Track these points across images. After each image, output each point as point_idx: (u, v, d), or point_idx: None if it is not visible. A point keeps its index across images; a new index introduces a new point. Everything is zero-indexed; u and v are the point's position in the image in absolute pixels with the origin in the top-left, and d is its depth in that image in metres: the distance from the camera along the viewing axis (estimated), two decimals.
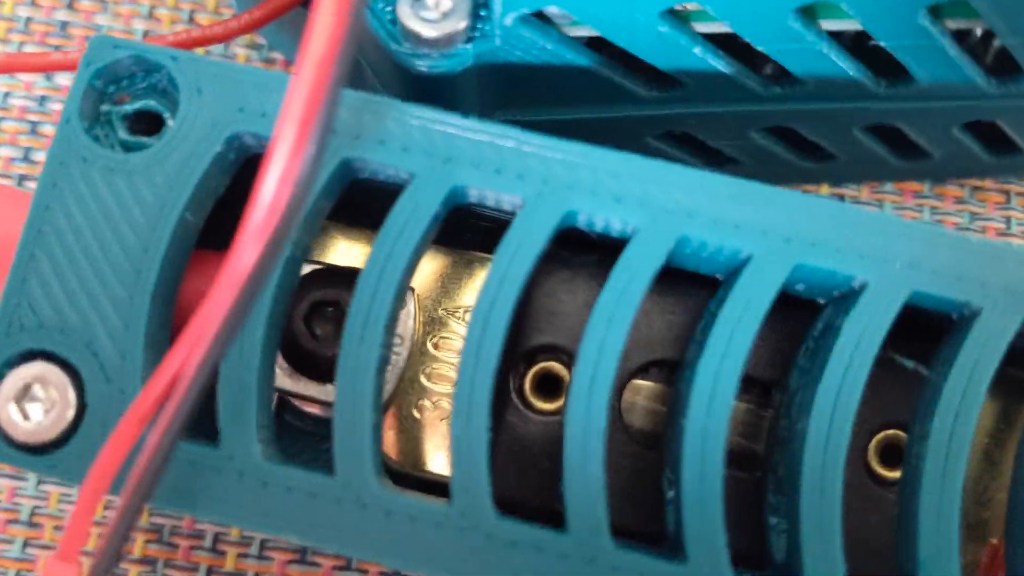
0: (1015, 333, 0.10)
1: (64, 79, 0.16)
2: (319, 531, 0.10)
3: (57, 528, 0.14)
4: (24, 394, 0.10)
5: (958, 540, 0.10)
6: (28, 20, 0.16)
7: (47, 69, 0.13)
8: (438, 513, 0.10)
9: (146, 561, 0.14)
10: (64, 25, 0.16)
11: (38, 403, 0.10)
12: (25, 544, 0.14)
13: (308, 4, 0.12)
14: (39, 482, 0.14)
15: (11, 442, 0.10)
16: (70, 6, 0.16)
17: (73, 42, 0.16)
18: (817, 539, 0.10)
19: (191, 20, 0.17)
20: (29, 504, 0.14)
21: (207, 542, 0.14)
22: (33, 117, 0.16)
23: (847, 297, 0.10)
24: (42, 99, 0.16)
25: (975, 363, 0.10)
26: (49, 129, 0.16)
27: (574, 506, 0.10)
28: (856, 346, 0.10)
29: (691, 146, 0.14)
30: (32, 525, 0.14)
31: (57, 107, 0.16)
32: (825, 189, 0.15)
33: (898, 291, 0.10)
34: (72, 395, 0.10)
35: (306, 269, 0.12)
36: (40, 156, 0.16)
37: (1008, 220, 0.16)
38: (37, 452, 0.10)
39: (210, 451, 0.10)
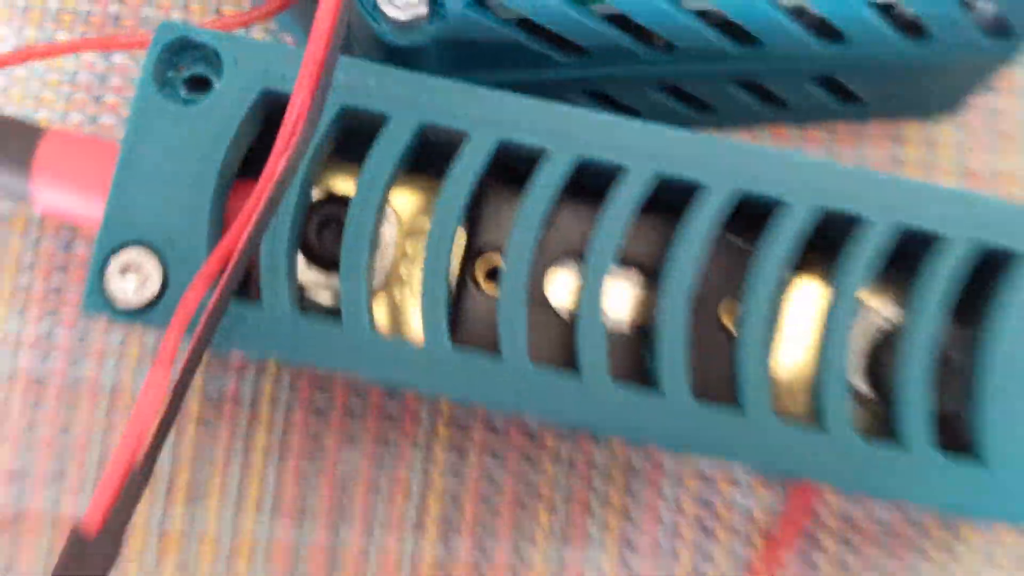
0: (804, 224, 0.14)
1: (119, 58, 0.20)
2: (336, 358, 0.14)
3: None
4: (125, 269, 0.14)
5: (767, 377, 0.14)
6: (88, 12, 0.21)
7: (119, 48, 0.18)
8: (413, 348, 0.14)
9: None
10: (116, 17, 0.21)
11: (134, 275, 0.14)
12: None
13: None
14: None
15: (116, 306, 0.14)
16: (121, 0, 0.21)
17: (124, 29, 0.21)
18: (669, 366, 0.14)
19: (217, 11, 0.21)
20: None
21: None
22: (97, 91, 0.20)
23: (695, 198, 0.15)
24: (103, 76, 0.20)
25: (775, 244, 0.14)
26: (111, 99, 0.20)
27: (507, 353, 0.14)
28: (695, 233, 0.14)
29: (604, 101, 0.18)
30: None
31: (115, 81, 0.20)
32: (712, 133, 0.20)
33: (727, 190, 0.14)
34: (158, 271, 0.14)
35: (316, 196, 0.16)
36: (104, 120, 0.20)
37: (863, 158, 0.20)
38: (136, 313, 0.14)
39: (252, 306, 0.14)
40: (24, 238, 0.20)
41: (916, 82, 0.18)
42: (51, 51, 0.18)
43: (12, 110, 0.20)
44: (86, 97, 0.20)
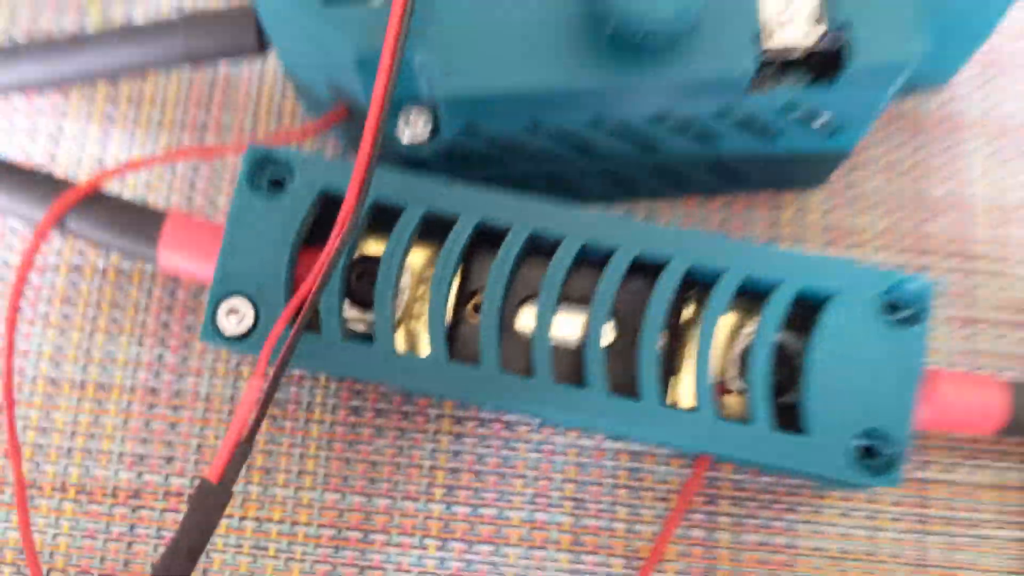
0: (681, 272, 0.21)
1: (190, 164, 0.28)
2: (369, 372, 0.21)
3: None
4: (229, 312, 0.22)
5: (657, 376, 0.21)
6: (183, 120, 0.28)
7: (213, 155, 0.25)
8: (422, 362, 0.22)
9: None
10: (204, 125, 0.28)
11: (236, 316, 0.22)
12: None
13: (352, 114, 0.24)
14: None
15: (224, 336, 0.22)
16: (207, 110, 0.28)
17: (211, 133, 0.28)
18: (593, 370, 0.21)
19: (279, 119, 0.28)
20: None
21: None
22: (192, 180, 0.28)
23: (610, 258, 0.22)
24: (196, 167, 0.28)
25: (662, 286, 0.22)
26: (201, 185, 0.28)
27: (485, 364, 0.21)
28: (609, 279, 0.22)
29: (561, 185, 0.26)
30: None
31: (205, 171, 0.28)
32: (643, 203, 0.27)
33: (630, 254, 0.22)
34: (252, 312, 0.22)
35: (356, 255, 0.24)
36: (197, 201, 0.27)
37: (752, 219, 0.27)
38: (236, 341, 0.22)
39: (317, 337, 0.22)
40: (140, 287, 0.27)
41: (782, 168, 0.25)
42: (168, 157, 0.25)
43: (128, 195, 0.27)
44: (183, 185, 0.28)
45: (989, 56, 0.28)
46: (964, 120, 0.28)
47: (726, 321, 0.23)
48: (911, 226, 0.27)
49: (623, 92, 0.21)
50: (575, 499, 0.25)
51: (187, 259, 0.23)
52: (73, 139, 0.28)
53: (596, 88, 0.21)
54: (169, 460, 0.26)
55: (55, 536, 0.25)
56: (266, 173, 0.23)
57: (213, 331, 0.22)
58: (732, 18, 0.21)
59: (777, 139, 0.24)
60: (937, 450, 0.25)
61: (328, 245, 0.21)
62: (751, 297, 0.22)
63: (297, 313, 0.21)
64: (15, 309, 0.24)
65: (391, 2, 0.20)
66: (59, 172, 0.28)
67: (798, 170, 0.26)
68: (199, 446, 0.26)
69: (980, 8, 0.22)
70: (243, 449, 0.20)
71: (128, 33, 0.25)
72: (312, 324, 0.22)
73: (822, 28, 0.21)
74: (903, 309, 0.21)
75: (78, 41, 0.25)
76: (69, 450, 0.26)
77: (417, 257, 0.24)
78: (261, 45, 0.24)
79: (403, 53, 0.20)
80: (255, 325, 0.22)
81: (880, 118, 0.28)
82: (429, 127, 0.22)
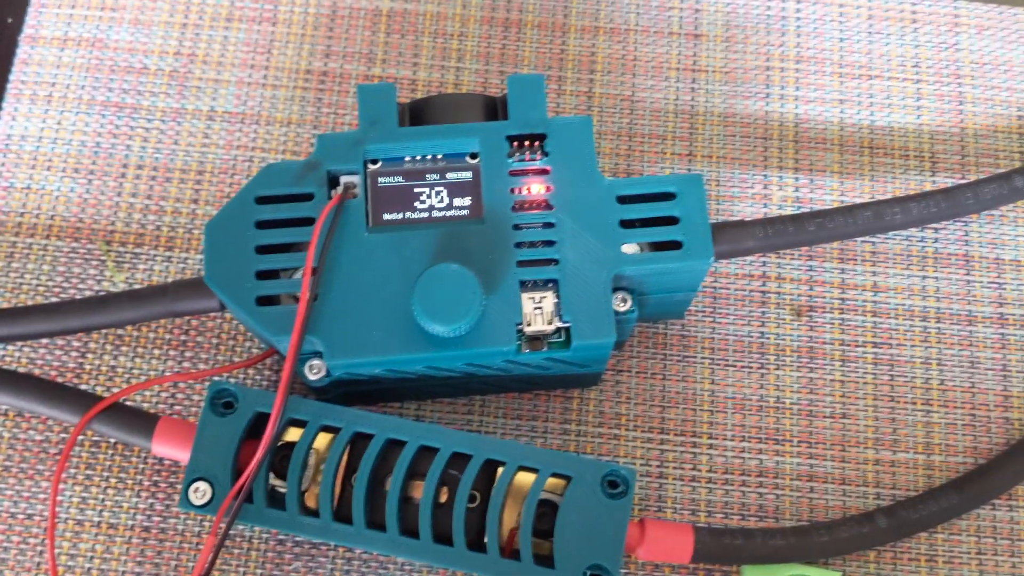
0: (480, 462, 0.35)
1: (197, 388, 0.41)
2: (283, 527, 0.35)
3: None
4: (195, 490, 0.35)
5: (463, 523, 0.35)
6: (169, 339, 0.42)
7: (195, 378, 0.39)
8: (316, 521, 0.35)
9: None
10: (183, 343, 0.42)
11: (199, 492, 0.35)
12: None
13: (278, 353, 0.38)
14: None
15: (193, 505, 0.35)
16: (186, 332, 0.42)
17: (188, 349, 0.41)
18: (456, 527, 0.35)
19: (238, 342, 0.42)
20: None
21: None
22: (188, 393, 0.41)
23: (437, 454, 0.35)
24: (175, 386, 0.41)
25: (469, 470, 0.35)
26: (184, 386, 0.41)
27: (356, 523, 0.35)
28: (436, 466, 0.35)
29: (429, 391, 0.39)
30: None
31: (182, 393, 0.41)
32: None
33: (449, 451, 0.35)
34: (210, 490, 0.35)
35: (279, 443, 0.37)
36: (179, 397, 0.41)
37: (548, 408, 0.41)
38: (201, 508, 0.35)
39: (250, 505, 0.35)
40: (139, 456, 0.40)
41: (564, 380, 0.39)
42: (163, 380, 0.39)
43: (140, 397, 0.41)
44: (182, 396, 0.41)
45: (717, 291, 0.42)
46: (695, 338, 0.42)
47: (524, 484, 0.36)
48: (656, 412, 0.41)
49: (441, 359, 0.35)
50: None
51: (172, 451, 0.37)
52: (94, 352, 0.41)
53: (423, 359, 0.34)
54: None
55: None
56: (221, 400, 0.36)
57: (186, 502, 0.35)
58: (504, 314, 0.34)
59: (551, 369, 0.37)
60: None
61: (260, 451, 0.34)
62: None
63: (239, 493, 0.34)
64: (57, 483, 0.37)
65: (297, 307, 0.34)
66: (85, 378, 0.41)
67: (575, 380, 0.40)
68: (176, 566, 0.39)
69: (673, 298, 0.36)
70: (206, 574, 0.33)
71: (130, 298, 0.38)
72: (247, 497, 0.35)
73: (556, 322, 0.34)
74: (618, 487, 0.35)
75: (97, 303, 0.38)
76: (88, 570, 0.39)
77: (322, 440, 0.37)
78: (223, 307, 0.38)
79: (303, 337, 0.34)
80: (212, 499, 0.35)
81: (636, 337, 0.41)
82: (323, 372, 0.36)
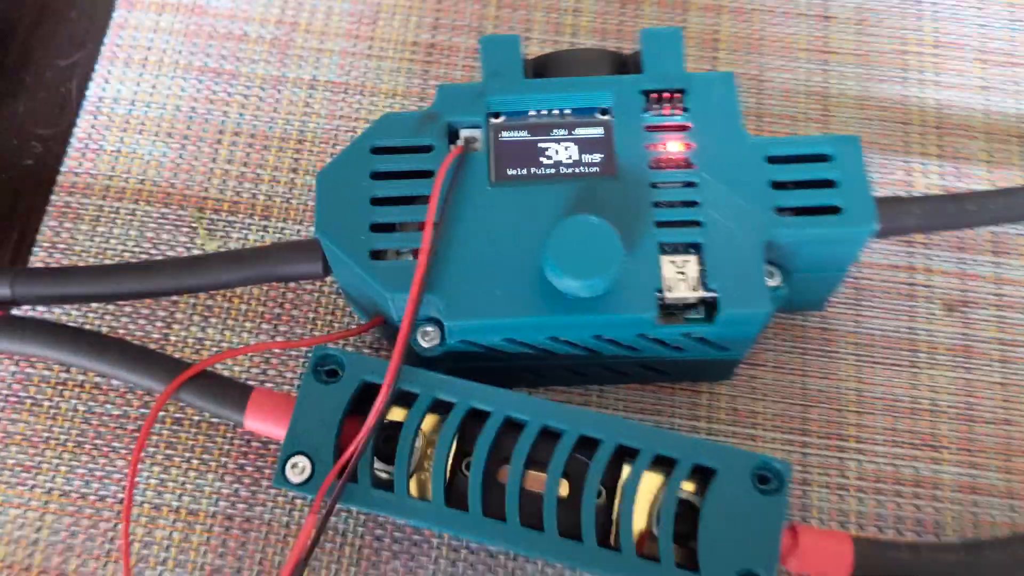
0: (612, 449, 0.31)
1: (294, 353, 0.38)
2: (388, 511, 0.31)
3: None
4: (293, 466, 0.31)
5: (593, 517, 0.31)
6: (262, 312, 0.38)
7: (291, 347, 0.35)
8: (427, 505, 0.31)
9: None
10: (278, 316, 0.38)
11: (297, 469, 0.31)
12: None
13: (386, 321, 0.34)
14: None
15: (290, 483, 0.31)
16: (281, 305, 0.38)
17: (282, 323, 0.38)
18: (586, 522, 0.31)
19: (332, 315, 0.38)
20: None
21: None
22: (281, 367, 0.38)
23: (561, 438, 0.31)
24: (270, 352, 0.38)
25: (598, 458, 0.31)
26: (275, 361, 0.38)
27: (472, 509, 0.31)
28: (560, 452, 0.31)
29: (538, 374, 0.35)
30: None
31: (275, 360, 0.38)
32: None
33: (575, 434, 0.31)
34: (310, 466, 0.31)
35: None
36: (289, 377, 0.37)
37: (675, 403, 0.37)
38: (298, 486, 0.31)
39: (354, 485, 0.31)
40: (224, 437, 0.37)
41: (694, 368, 0.35)
42: (256, 348, 0.36)
43: (227, 372, 0.37)
44: (275, 372, 0.38)
45: (860, 282, 0.38)
46: (838, 332, 0.38)
47: (652, 483, 0.32)
48: (796, 412, 0.37)
49: (569, 325, 0.31)
50: None
51: (266, 425, 0.33)
52: (180, 323, 0.38)
53: (550, 323, 0.31)
54: (238, 571, 0.35)
55: None
56: (326, 366, 0.32)
57: (282, 479, 0.31)
58: (642, 278, 0.31)
59: (685, 351, 0.33)
60: None
61: (367, 424, 0.30)
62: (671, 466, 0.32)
63: (343, 470, 0.31)
64: (136, 463, 0.33)
65: (416, 261, 0.30)
66: (170, 351, 0.38)
67: (706, 369, 0.36)
68: (260, 560, 0.35)
69: (819, 280, 0.33)
70: (300, 568, 0.30)
71: (228, 258, 0.35)
72: (351, 476, 0.32)
73: (701, 290, 0.31)
74: (770, 482, 0.31)
75: (191, 263, 0.35)
76: (164, 559, 0.35)
77: (428, 422, 0.33)
78: (327, 272, 0.34)
79: (422, 296, 0.30)
80: (311, 476, 0.31)
81: (772, 328, 0.37)
82: (437, 339, 0.32)
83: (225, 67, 0.42)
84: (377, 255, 0.32)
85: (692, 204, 0.32)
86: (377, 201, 0.32)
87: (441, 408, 0.32)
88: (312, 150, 0.41)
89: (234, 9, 0.43)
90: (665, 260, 0.31)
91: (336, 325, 0.38)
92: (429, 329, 0.32)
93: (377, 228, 0.32)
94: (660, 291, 0.31)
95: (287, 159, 0.41)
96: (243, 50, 0.42)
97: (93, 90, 0.42)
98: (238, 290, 0.39)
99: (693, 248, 0.32)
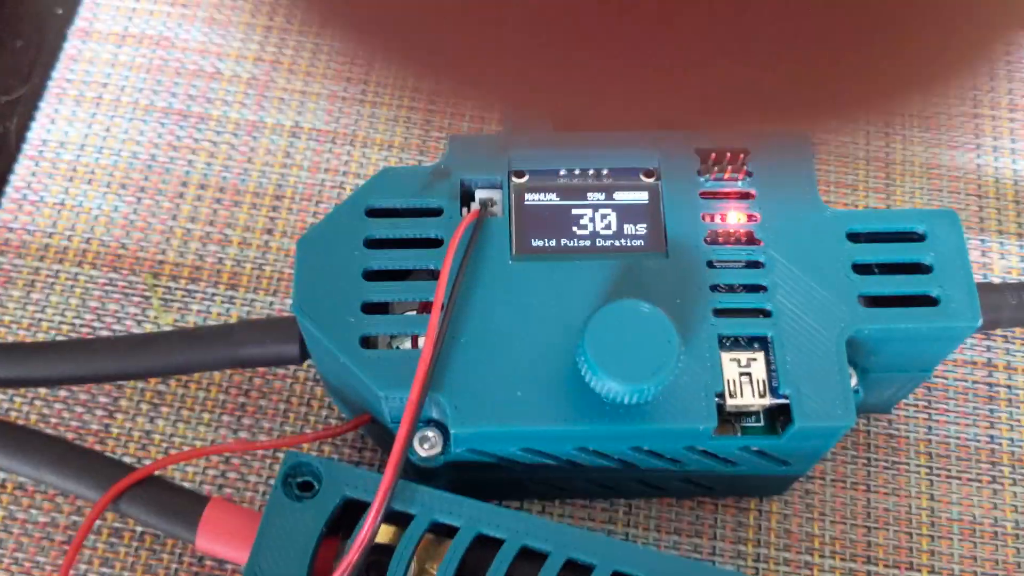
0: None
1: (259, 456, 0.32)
2: None
3: None
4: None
5: None
6: (223, 401, 0.32)
7: (255, 449, 0.29)
8: None
9: None
10: (242, 406, 0.32)
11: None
12: None
13: (374, 420, 0.28)
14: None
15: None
16: (246, 394, 0.32)
17: (247, 415, 0.32)
18: None
19: (308, 409, 0.32)
20: None
21: None
22: (243, 471, 0.31)
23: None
24: (247, 461, 0.32)
25: None
26: (253, 480, 0.31)
27: None
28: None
29: (555, 488, 0.29)
30: None
31: (257, 465, 0.31)
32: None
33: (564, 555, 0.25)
34: None
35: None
36: (247, 494, 0.31)
37: (720, 521, 0.31)
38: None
39: None
40: (172, 554, 0.30)
41: (745, 483, 0.29)
42: (215, 450, 0.29)
43: (178, 474, 0.31)
44: (236, 475, 0.31)
45: (934, 382, 0.33)
46: (907, 440, 0.32)
47: None
48: (859, 535, 0.31)
49: (607, 436, 0.25)
50: None
51: (221, 546, 0.27)
52: (124, 412, 0.32)
53: (582, 433, 0.25)
54: None
55: None
56: (299, 477, 0.26)
57: None
58: (697, 379, 0.25)
59: (738, 466, 0.28)
60: None
61: (342, 566, 0.24)
62: None
63: None
64: (67, 571, 0.27)
65: (419, 349, 0.24)
66: (111, 445, 0.31)
67: (759, 484, 0.30)
68: None
69: (898, 381, 0.27)
70: None
71: (185, 338, 0.29)
72: None
73: (770, 396, 0.25)
74: None
75: (140, 342, 0.29)
76: None
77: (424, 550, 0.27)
78: (304, 357, 0.28)
79: (427, 394, 0.24)
80: None
81: None
82: (439, 447, 0.26)
83: (193, 109, 0.36)
84: (368, 342, 0.25)
85: (758, 289, 0.26)
86: (371, 275, 0.26)
87: (440, 528, 0.26)
88: (291, 208, 0.35)
89: (206, 43, 0.37)
90: (726, 357, 0.25)
91: (312, 419, 0.32)
92: (430, 434, 0.26)
93: (370, 308, 0.26)
94: (720, 395, 0.25)
95: (261, 218, 0.35)
96: (215, 90, 0.37)
97: (36, 131, 0.36)
98: (195, 374, 0.32)
99: (759, 343, 0.26)
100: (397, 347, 0.26)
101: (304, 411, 0.32)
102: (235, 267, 0.34)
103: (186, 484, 0.31)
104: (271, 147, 0.36)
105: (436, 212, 0.27)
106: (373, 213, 0.27)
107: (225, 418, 0.32)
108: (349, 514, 0.26)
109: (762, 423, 0.26)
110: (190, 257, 0.34)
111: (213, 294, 0.33)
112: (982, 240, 0.35)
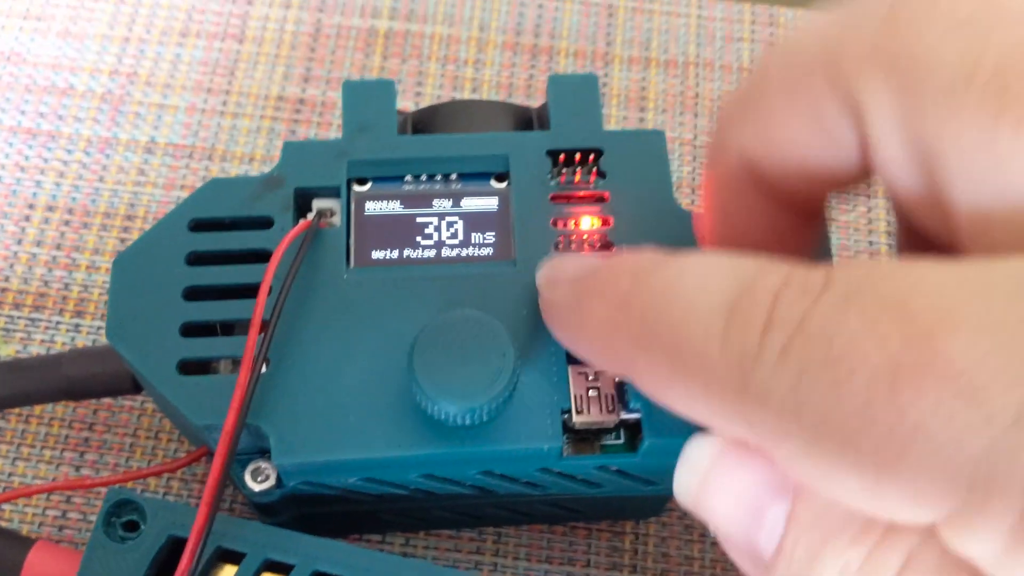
0: None
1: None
2: None
3: None
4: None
5: None
6: (67, 436, 0.30)
7: (91, 486, 0.27)
8: None
9: None
10: (86, 441, 0.30)
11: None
12: None
13: (211, 452, 0.26)
14: None
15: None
16: (91, 428, 0.30)
17: (91, 450, 0.30)
18: None
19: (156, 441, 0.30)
20: None
21: None
22: (64, 508, 0.29)
23: None
24: (69, 497, 0.29)
25: None
26: (74, 516, 0.29)
27: None
28: None
29: (409, 517, 0.27)
30: None
31: (78, 500, 0.29)
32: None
33: None
34: None
35: None
36: (67, 531, 0.29)
37: (594, 545, 0.29)
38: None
39: None
40: None
41: (615, 504, 0.28)
42: (47, 488, 0.27)
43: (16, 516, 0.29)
44: (78, 516, 0.29)
45: None
46: None
47: None
48: None
49: (448, 460, 0.23)
50: None
51: None
52: None
53: (419, 458, 0.23)
54: None
55: None
56: (123, 516, 0.24)
57: None
58: (543, 395, 0.23)
59: (602, 487, 0.26)
60: None
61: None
62: None
63: None
64: None
65: (237, 375, 0.23)
66: None
67: (633, 506, 0.28)
68: None
69: None
70: None
71: (12, 369, 0.27)
72: None
73: (620, 412, 0.23)
74: None
75: None
76: None
77: None
78: (138, 387, 0.26)
79: (243, 424, 0.22)
80: None
81: None
82: (272, 480, 0.24)
83: (42, 127, 0.34)
84: (188, 367, 0.24)
85: None
86: (193, 293, 0.24)
87: (281, 567, 0.24)
88: (144, 228, 0.33)
89: (59, 56, 0.35)
90: (574, 372, 0.24)
91: (160, 453, 0.30)
92: (263, 465, 0.24)
93: (190, 331, 0.24)
94: (567, 412, 0.23)
95: (111, 239, 0.33)
96: (67, 106, 0.35)
97: None
98: (36, 408, 0.30)
99: None
100: (224, 374, 0.24)
101: (151, 445, 0.30)
102: (82, 292, 0.32)
103: (24, 525, 0.29)
104: (123, 164, 0.34)
105: (266, 223, 0.25)
106: (197, 227, 0.25)
107: (68, 455, 0.30)
108: (178, 553, 0.24)
109: (622, 440, 0.25)
110: (34, 283, 0.32)
111: (58, 323, 0.31)
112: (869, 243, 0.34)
